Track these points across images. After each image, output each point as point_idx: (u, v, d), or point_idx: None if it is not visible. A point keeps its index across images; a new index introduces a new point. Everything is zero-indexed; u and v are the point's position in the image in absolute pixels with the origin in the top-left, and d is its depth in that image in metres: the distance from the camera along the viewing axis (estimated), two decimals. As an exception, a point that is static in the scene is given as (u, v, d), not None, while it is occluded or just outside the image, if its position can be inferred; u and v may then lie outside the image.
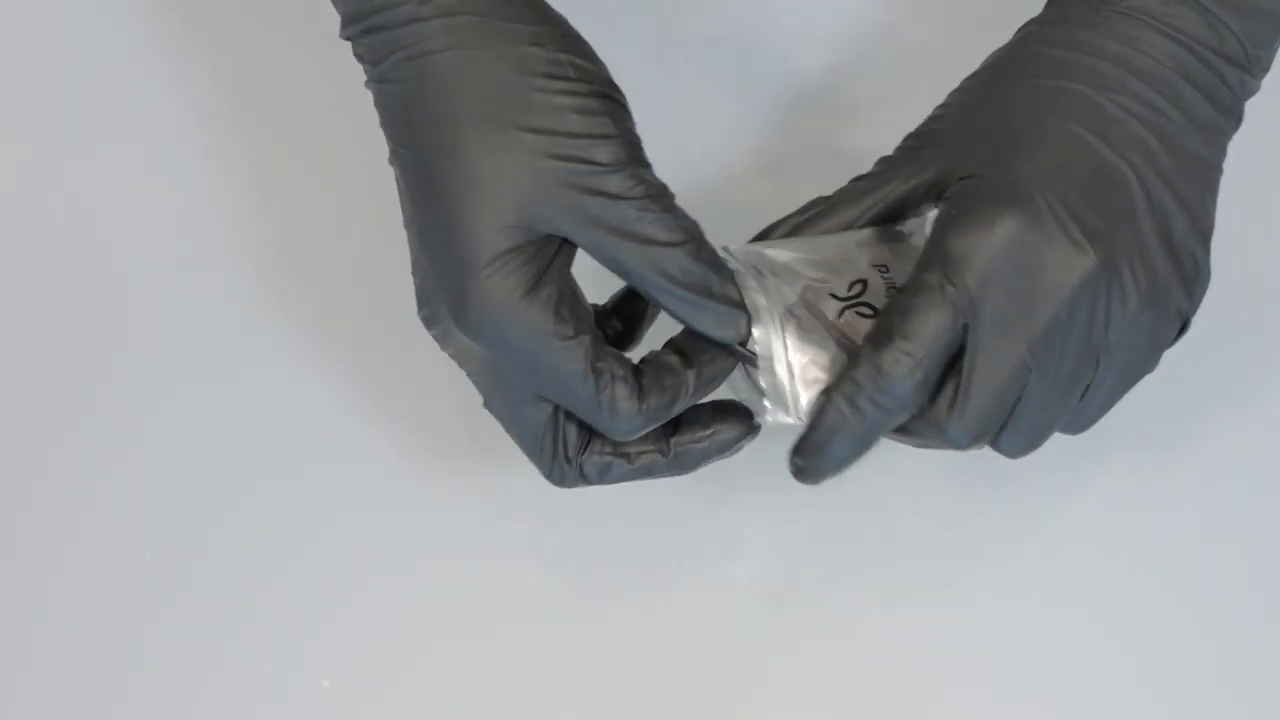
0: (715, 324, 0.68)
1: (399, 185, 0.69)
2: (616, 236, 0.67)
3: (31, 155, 0.84)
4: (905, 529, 0.78)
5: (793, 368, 0.69)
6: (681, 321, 0.69)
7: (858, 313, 0.70)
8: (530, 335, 0.66)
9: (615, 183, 0.67)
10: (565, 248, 0.68)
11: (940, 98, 0.83)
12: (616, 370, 0.67)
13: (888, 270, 0.71)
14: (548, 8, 0.69)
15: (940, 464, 0.78)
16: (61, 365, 0.82)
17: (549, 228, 0.66)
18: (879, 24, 0.84)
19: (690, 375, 0.68)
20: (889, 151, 0.82)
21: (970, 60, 0.83)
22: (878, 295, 0.70)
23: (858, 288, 0.70)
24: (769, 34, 0.84)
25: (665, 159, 0.82)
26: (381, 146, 0.68)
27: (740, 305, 0.68)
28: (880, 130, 0.83)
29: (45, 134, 0.85)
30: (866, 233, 0.72)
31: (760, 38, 0.84)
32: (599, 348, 0.68)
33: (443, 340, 0.69)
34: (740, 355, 0.69)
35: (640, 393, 0.68)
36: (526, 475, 0.77)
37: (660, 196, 0.68)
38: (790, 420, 0.69)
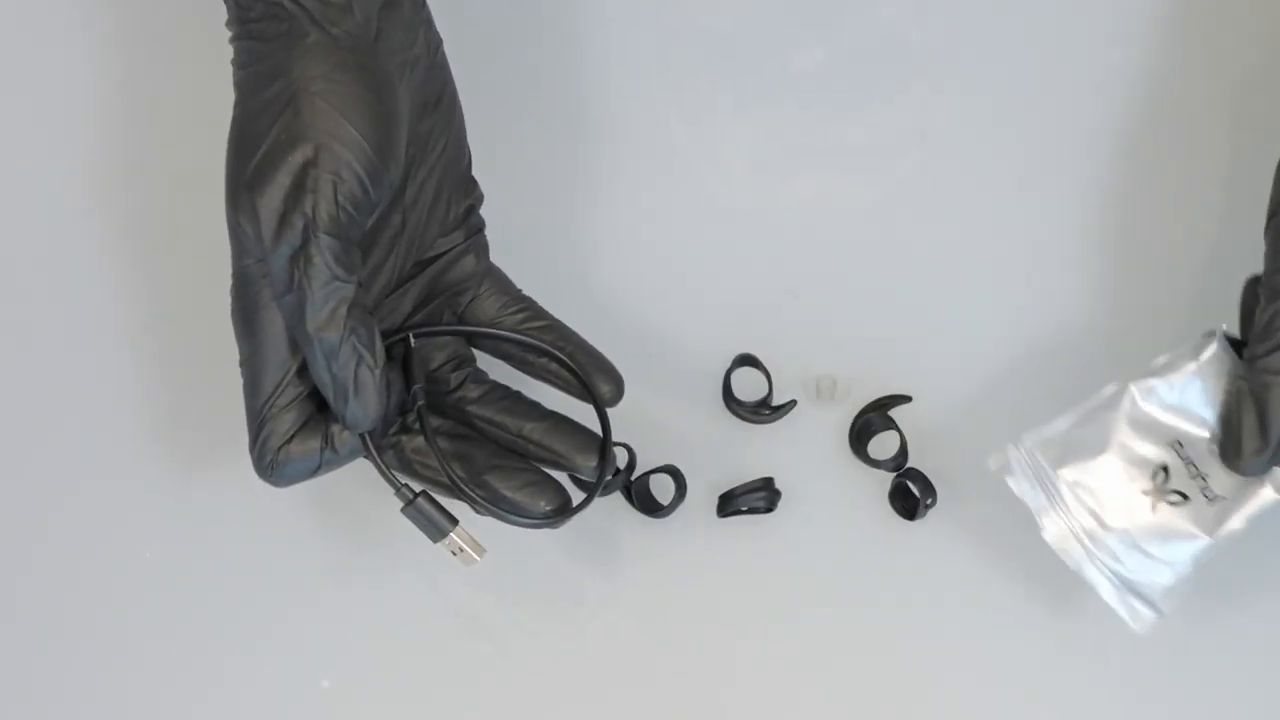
0: (332, 409, 0.71)
1: None
2: (273, 286, 0.70)
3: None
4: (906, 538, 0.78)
5: (1130, 579, 0.72)
6: None
7: (1169, 503, 0.72)
8: (252, 335, 0.71)
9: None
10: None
11: (935, 94, 0.84)
12: (281, 425, 0.71)
13: (1181, 445, 0.72)
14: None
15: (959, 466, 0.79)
16: (59, 363, 0.82)
17: None
18: (874, 21, 0.84)
19: (326, 451, 0.71)
20: (884, 149, 0.83)
21: (966, 57, 0.84)
22: (1182, 477, 0.72)
23: (1161, 475, 0.72)
24: (764, 31, 0.85)
25: (659, 155, 0.83)
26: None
27: (343, 407, 0.70)
28: (875, 128, 0.84)
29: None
30: (1145, 409, 0.73)
31: (755, 35, 0.85)
32: (295, 385, 0.71)
33: None
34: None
35: (281, 449, 0.71)
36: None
37: (323, 279, 0.69)
38: (1151, 614, 0.72)
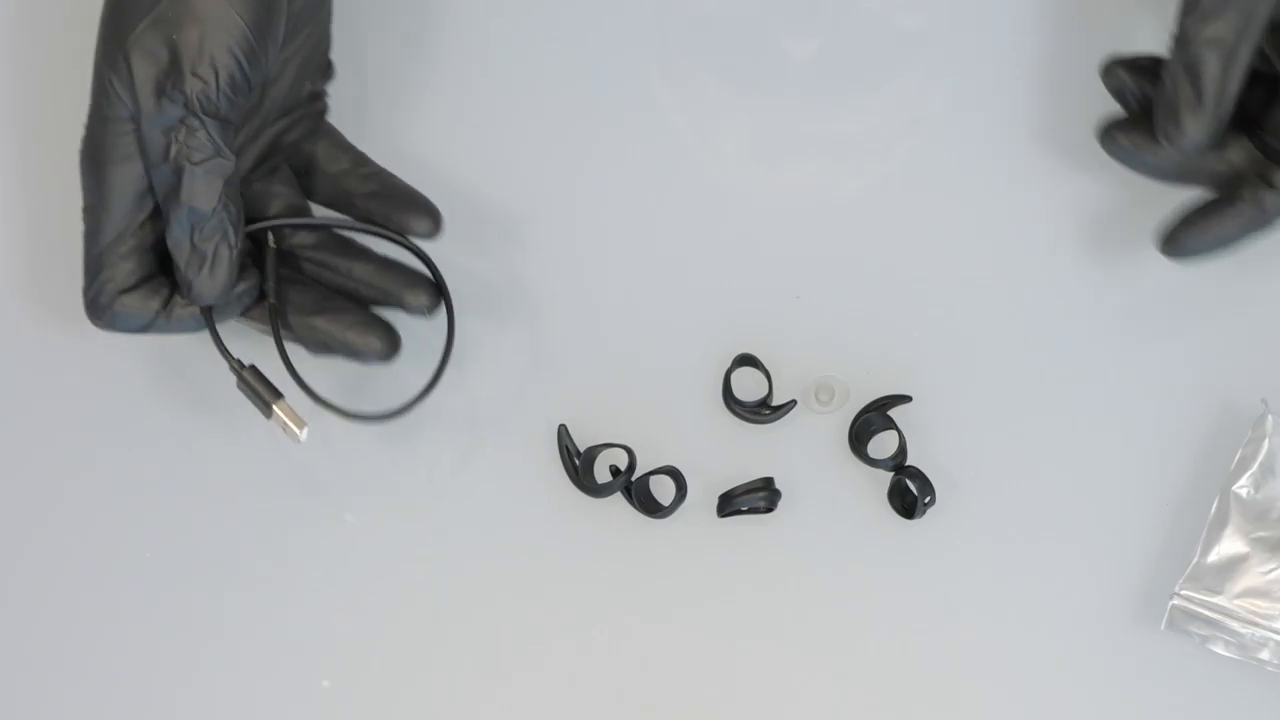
0: (179, 278, 0.74)
1: None
2: (147, 152, 0.73)
3: None
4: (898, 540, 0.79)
5: None
6: None
7: None
8: (99, 185, 0.73)
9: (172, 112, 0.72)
10: None
11: (933, 83, 0.84)
12: (118, 275, 0.74)
13: None
14: None
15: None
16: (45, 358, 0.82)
17: None
18: (871, 9, 0.84)
19: (160, 315, 0.75)
20: (883, 138, 0.83)
21: (964, 45, 0.84)
22: None
23: None
24: (762, 20, 0.84)
25: (656, 143, 0.83)
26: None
27: (194, 281, 0.73)
28: (873, 117, 0.84)
29: None
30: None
31: (753, 24, 0.84)
32: (136, 240, 0.74)
33: None
34: None
35: (114, 298, 0.74)
36: (526, 479, 0.78)
37: (205, 156, 0.72)
38: None
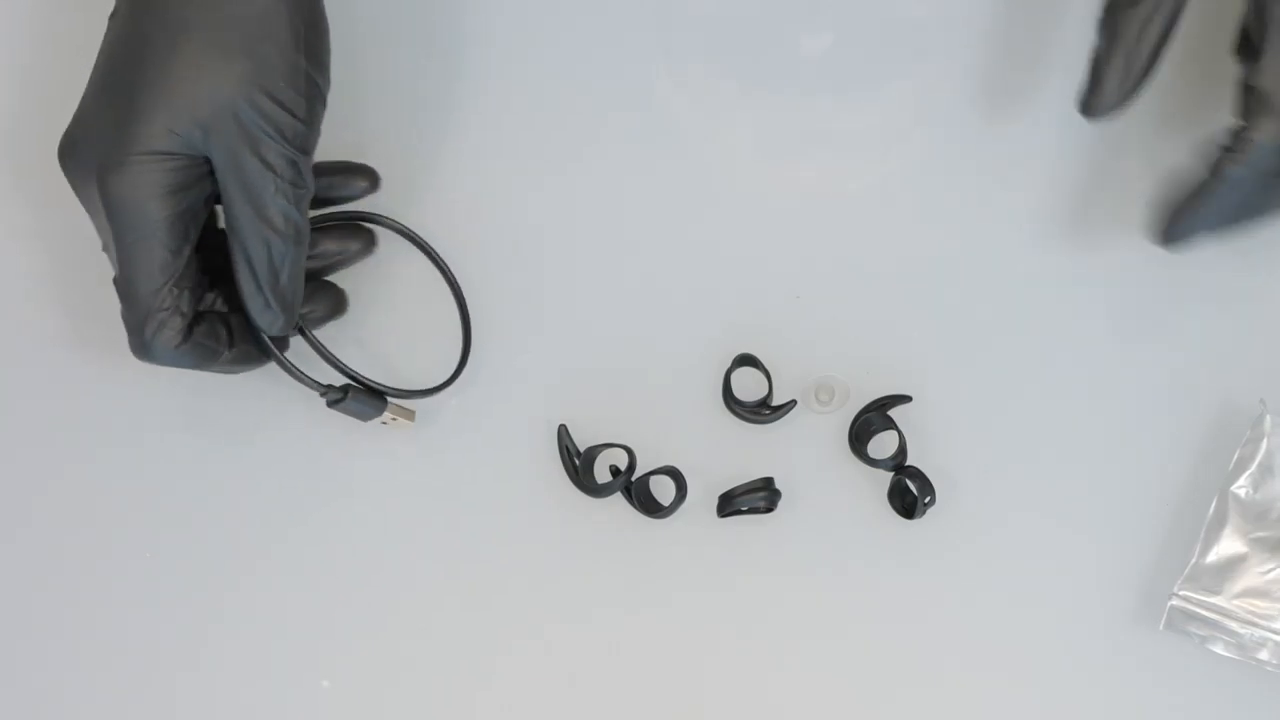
0: (257, 311, 0.74)
1: (104, 40, 0.74)
2: (243, 194, 0.73)
3: None
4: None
5: None
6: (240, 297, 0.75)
7: None
8: (141, 223, 0.72)
9: (275, 153, 0.72)
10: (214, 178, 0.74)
11: (940, 75, 0.84)
12: (183, 306, 0.73)
13: None
14: None
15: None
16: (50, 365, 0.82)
17: (206, 151, 0.72)
18: (878, 2, 0.84)
19: (226, 352, 0.75)
20: (889, 131, 0.84)
21: (970, 38, 0.84)
22: None
23: None
24: (768, 15, 0.84)
25: (663, 140, 0.83)
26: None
27: (283, 312, 0.74)
28: (880, 111, 0.84)
29: None
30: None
31: (759, 19, 0.84)
32: (188, 274, 0.73)
33: (73, 184, 0.74)
34: None
35: (186, 336, 0.74)
36: (526, 479, 0.79)
37: (300, 190, 0.73)
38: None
